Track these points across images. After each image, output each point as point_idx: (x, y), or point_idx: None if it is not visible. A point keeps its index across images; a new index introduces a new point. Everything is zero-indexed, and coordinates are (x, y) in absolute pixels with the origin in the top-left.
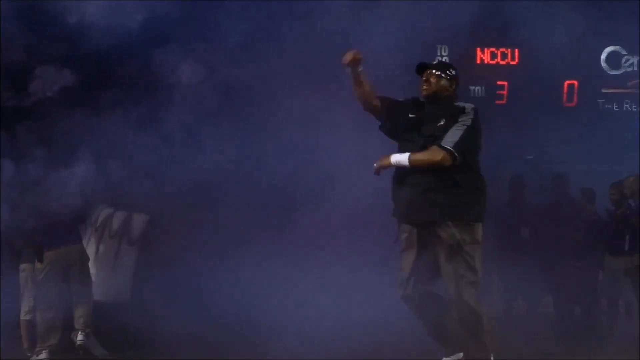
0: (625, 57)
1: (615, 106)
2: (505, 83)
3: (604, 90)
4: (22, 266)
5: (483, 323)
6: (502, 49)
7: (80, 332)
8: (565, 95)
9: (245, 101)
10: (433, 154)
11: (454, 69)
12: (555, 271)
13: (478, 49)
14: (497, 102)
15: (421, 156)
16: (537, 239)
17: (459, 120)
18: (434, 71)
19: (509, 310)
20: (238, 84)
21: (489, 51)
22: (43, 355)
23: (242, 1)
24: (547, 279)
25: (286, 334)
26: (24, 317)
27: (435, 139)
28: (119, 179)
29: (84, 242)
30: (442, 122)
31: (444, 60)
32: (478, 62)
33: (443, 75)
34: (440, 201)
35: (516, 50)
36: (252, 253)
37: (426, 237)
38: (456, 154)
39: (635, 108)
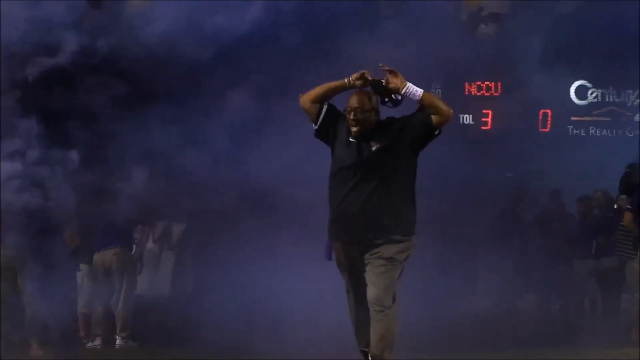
0: (591, 90)
1: (582, 132)
2: (490, 112)
3: (572, 118)
4: (80, 266)
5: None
6: (487, 83)
7: (118, 337)
8: (540, 122)
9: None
10: (447, 106)
11: (372, 95)
12: (536, 272)
13: (466, 83)
14: (483, 127)
15: (437, 100)
16: (522, 243)
17: (403, 119)
18: (359, 106)
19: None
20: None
21: (475, 85)
22: (97, 341)
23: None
24: (530, 279)
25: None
26: (80, 310)
27: (373, 163)
28: (162, 191)
29: (133, 247)
30: (378, 145)
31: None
32: (466, 93)
33: (368, 109)
34: (381, 221)
35: (499, 83)
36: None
37: (360, 253)
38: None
39: (599, 133)
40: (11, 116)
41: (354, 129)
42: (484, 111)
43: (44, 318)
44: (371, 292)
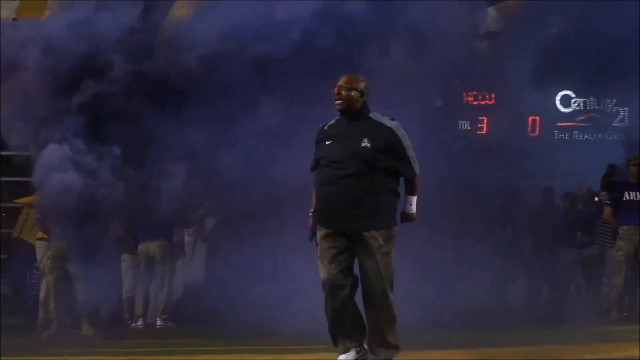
0: (574, 99)
1: (567, 135)
2: (485, 118)
3: (558, 124)
4: (123, 255)
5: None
6: (483, 93)
7: (159, 319)
8: (529, 127)
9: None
10: (418, 185)
11: (362, 81)
12: (527, 260)
13: (464, 93)
14: (478, 132)
15: (417, 193)
16: (514, 235)
17: (400, 147)
18: (344, 84)
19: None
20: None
21: (472, 94)
22: (140, 322)
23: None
24: (521, 266)
25: None
26: (125, 294)
27: (360, 162)
28: (198, 188)
29: (172, 239)
30: (365, 144)
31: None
32: (464, 102)
33: (353, 87)
34: (367, 211)
35: (493, 94)
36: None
37: (348, 242)
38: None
39: (581, 137)
40: (61, 113)
41: (337, 103)
42: (479, 118)
43: (93, 302)
44: (368, 283)
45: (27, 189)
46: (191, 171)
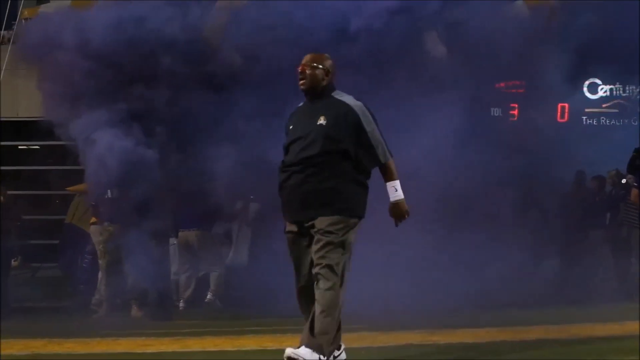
0: (600, 86)
1: (594, 121)
2: (516, 105)
3: (586, 110)
4: (171, 240)
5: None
6: (514, 82)
7: (209, 293)
8: (559, 114)
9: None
10: (393, 169)
11: (328, 59)
12: (558, 240)
13: (496, 82)
14: (511, 119)
15: (396, 176)
16: (545, 217)
17: (359, 127)
18: (308, 63)
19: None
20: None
21: (504, 83)
22: (181, 303)
23: None
24: (552, 246)
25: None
26: (173, 276)
27: (314, 142)
28: (241, 176)
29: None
30: (321, 121)
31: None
32: (497, 90)
33: (318, 65)
34: (318, 199)
35: (523, 82)
36: None
37: (308, 233)
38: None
39: (608, 123)
40: (112, 101)
41: (301, 83)
42: (511, 105)
43: (143, 284)
44: (314, 265)
45: (77, 177)
46: (238, 160)
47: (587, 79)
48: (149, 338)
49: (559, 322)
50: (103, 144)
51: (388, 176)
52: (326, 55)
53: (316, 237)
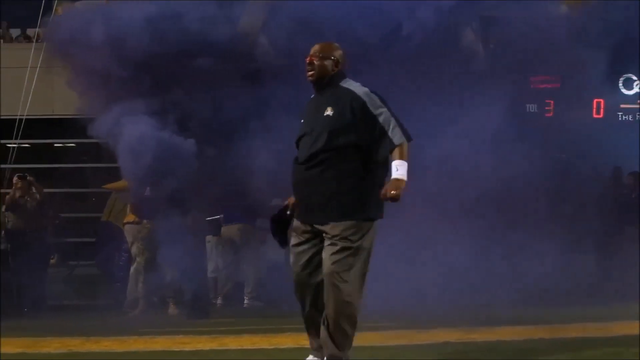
0: (636, 82)
1: (630, 117)
2: (552, 101)
3: (622, 105)
4: (207, 237)
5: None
6: (549, 77)
7: (246, 297)
8: (594, 110)
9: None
10: (404, 151)
11: (337, 49)
12: (593, 237)
13: (531, 77)
14: (547, 115)
15: (406, 158)
16: (582, 215)
17: (367, 113)
18: (317, 53)
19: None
20: None
21: (539, 78)
22: (219, 300)
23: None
24: (588, 243)
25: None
26: (209, 274)
27: (321, 136)
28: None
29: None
30: (328, 112)
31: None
32: (532, 86)
33: (327, 56)
34: (327, 200)
35: (559, 77)
36: None
37: (319, 234)
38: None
39: None
40: (148, 98)
41: (309, 75)
42: (546, 101)
43: (179, 282)
44: (325, 268)
45: (113, 175)
46: (277, 155)
47: (622, 74)
48: (186, 336)
49: (597, 320)
50: (140, 140)
51: (396, 155)
52: (336, 44)
53: (330, 241)
